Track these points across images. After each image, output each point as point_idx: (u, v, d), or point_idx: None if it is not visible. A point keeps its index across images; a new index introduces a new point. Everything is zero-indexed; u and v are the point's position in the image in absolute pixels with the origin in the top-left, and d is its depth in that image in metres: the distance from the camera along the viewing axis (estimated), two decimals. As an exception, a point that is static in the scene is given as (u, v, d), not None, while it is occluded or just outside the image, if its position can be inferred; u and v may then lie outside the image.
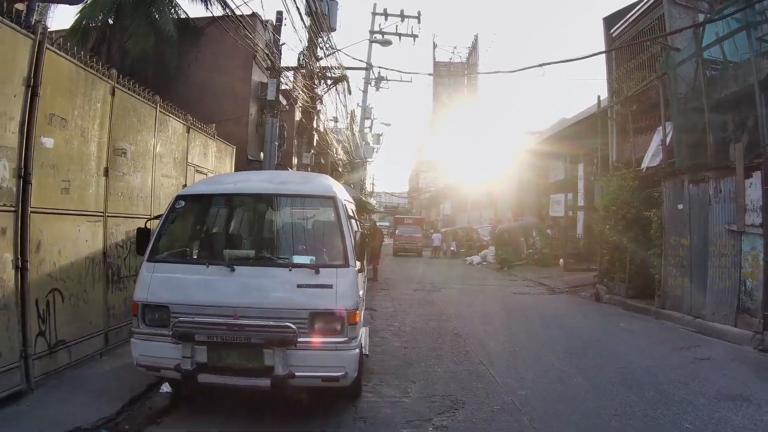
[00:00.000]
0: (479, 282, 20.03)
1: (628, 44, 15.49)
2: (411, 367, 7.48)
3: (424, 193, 77.87)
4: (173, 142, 9.73)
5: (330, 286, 5.08)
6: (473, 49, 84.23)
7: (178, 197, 5.98)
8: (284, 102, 20.90)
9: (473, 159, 46.91)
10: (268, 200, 6.07)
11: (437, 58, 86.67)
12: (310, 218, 6.12)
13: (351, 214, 6.24)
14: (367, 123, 43.04)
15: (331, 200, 5.62)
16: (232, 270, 5.25)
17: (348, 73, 21.15)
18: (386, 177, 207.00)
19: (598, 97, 17.20)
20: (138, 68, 17.44)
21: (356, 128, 37.15)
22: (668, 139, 13.26)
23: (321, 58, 19.91)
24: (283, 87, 21.91)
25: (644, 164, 14.17)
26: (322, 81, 19.41)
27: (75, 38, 17.49)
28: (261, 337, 4.96)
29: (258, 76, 21.48)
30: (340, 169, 35.45)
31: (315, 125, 19.49)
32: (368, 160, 44.84)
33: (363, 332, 7.99)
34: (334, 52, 19.49)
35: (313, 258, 5.46)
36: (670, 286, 12.42)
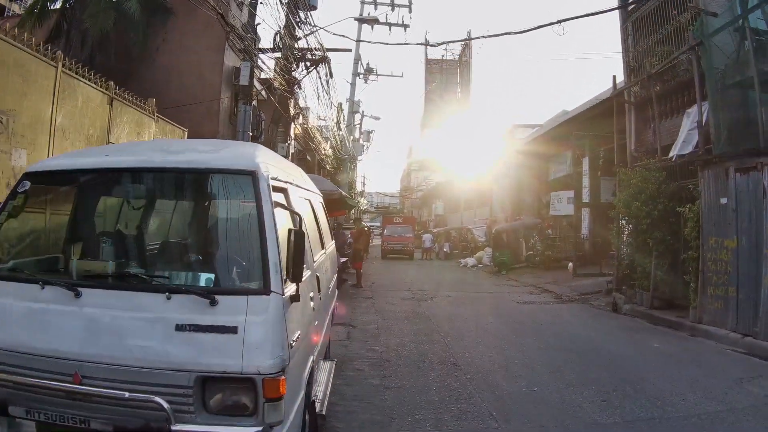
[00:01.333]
0: (476, 288, 17.87)
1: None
2: (392, 425, 5.24)
3: (415, 192, 75.82)
4: (86, 115, 7.49)
5: (233, 330, 2.84)
6: (466, 45, 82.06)
7: (24, 175, 3.75)
8: (259, 87, 18.70)
9: (467, 157, 44.94)
10: (149, 179, 3.73)
11: (429, 54, 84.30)
12: (221, 210, 3.70)
13: (294, 206, 3.93)
14: (357, 119, 40.86)
15: (249, 178, 3.29)
16: (77, 295, 3.04)
17: (335, 66, 19.06)
18: (377, 177, 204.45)
19: (614, 77, 15.06)
20: (99, 52, 15.44)
21: (344, 124, 34.95)
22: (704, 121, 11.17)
23: (299, 39, 17.72)
24: (263, 76, 19.78)
25: (674, 152, 12.06)
26: (301, 63, 17.20)
27: (31, 20, 15.56)
28: (106, 419, 2.77)
29: (232, 60, 19.24)
30: (328, 167, 33.32)
31: (292, 113, 17.27)
32: (358, 158, 42.68)
33: (327, 367, 5.81)
34: (314, 31, 17.29)
35: (211, 277, 3.25)
36: (710, 296, 10.30)
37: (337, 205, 14.13)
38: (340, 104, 35.88)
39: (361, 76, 35.44)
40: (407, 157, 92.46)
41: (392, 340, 9.00)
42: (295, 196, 4.14)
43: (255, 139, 18.43)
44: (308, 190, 5.38)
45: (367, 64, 35.51)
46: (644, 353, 8.76)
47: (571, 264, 17.47)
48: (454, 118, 71.12)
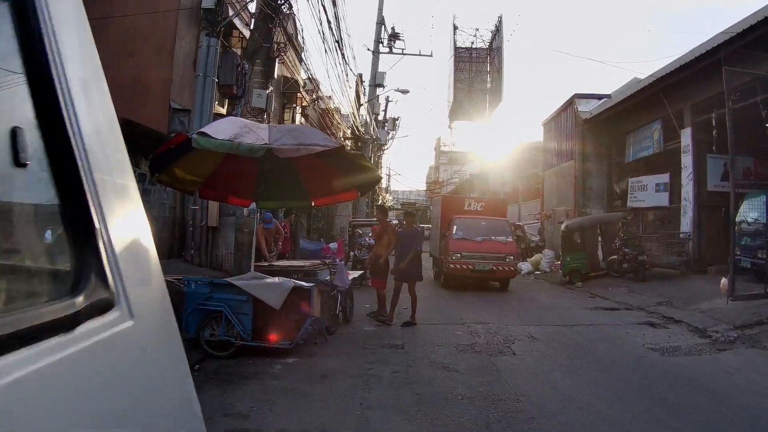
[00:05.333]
0: (561, 316, 11.53)
1: None
2: None
3: (445, 186, 69.65)
4: None
5: None
6: (497, 31, 75.67)
7: None
8: (237, 16, 12.80)
9: (506, 143, 38.97)
10: None
11: (458, 42, 78.07)
12: None
13: None
14: (381, 101, 34.68)
15: None
16: None
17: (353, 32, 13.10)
18: (403, 171, 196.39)
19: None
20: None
21: (365, 98, 28.98)
22: None
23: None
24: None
25: None
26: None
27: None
28: None
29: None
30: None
31: (276, 46, 11.29)
32: (383, 147, 36.63)
33: None
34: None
35: None
36: None
37: (341, 173, 7.95)
38: (360, 75, 30.02)
39: (385, 43, 29.38)
40: (435, 149, 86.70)
41: None
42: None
43: (237, 99, 12.52)
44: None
45: (392, 28, 29.37)
46: None
47: (724, 280, 11.17)
48: (485, 108, 65.65)
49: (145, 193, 10.25)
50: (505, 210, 20.97)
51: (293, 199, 8.94)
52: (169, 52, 12.59)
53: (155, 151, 7.37)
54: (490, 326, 9.65)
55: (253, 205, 9.13)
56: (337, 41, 14.95)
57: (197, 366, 6.66)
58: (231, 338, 6.92)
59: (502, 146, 37.61)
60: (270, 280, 7.02)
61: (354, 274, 9.81)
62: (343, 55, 15.62)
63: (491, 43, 75.52)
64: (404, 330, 9.18)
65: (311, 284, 7.05)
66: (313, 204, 9.07)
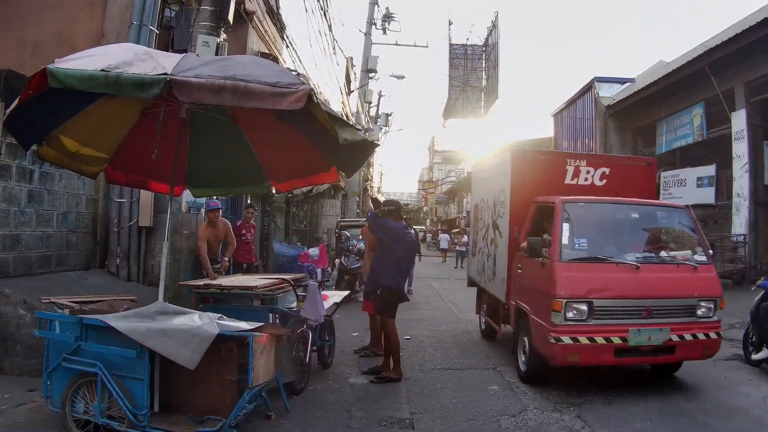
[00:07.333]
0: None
1: None
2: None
3: (440, 186, 66.71)
4: None
5: None
6: (493, 27, 72.95)
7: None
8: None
9: (506, 142, 36.11)
10: None
11: (453, 38, 75.24)
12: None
13: None
14: (375, 97, 31.61)
15: None
16: None
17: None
18: (394, 173, 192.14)
19: None
20: None
21: (355, 82, 26.05)
22: None
23: None
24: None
25: None
26: None
27: None
28: None
29: None
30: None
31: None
32: (375, 141, 33.72)
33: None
34: None
35: None
36: None
37: (312, 142, 4.92)
38: (351, 58, 27.08)
39: (378, 24, 26.46)
40: (428, 149, 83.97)
41: None
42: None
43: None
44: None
45: (387, 8, 26.46)
46: None
47: None
48: (481, 105, 63.29)
49: (45, 179, 7.20)
50: (652, 183, 7.81)
51: (244, 182, 5.91)
52: (102, 2, 9.67)
53: (9, 108, 4.36)
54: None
55: (188, 193, 6.15)
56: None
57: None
58: (113, 421, 3.93)
59: (500, 144, 34.76)
60: (180, 320, 4.01)
61: (336, 296, 6.68)
62: (329, 26, 12.64)
63: (487, 38, 72.84)
64: (409, 384, 6.10)
65: (250, 328, 4.02)
66: (273, 190, 6.12)
